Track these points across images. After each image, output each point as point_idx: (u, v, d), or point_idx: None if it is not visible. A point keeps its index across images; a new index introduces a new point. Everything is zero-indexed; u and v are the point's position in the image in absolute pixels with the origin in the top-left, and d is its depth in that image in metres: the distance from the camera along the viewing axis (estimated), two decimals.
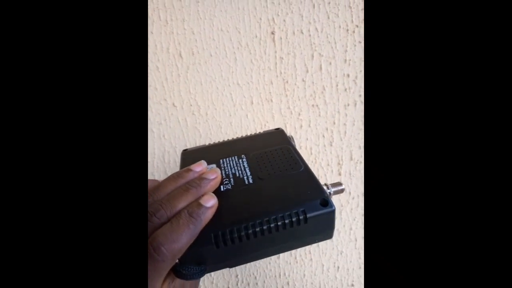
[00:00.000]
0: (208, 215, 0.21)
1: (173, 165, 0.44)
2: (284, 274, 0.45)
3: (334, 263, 0.44)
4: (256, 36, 0.40)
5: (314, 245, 0.44)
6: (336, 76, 0.40)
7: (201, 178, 0.23)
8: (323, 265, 0.45)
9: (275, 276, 0.46)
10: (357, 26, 0.38)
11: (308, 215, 0.21)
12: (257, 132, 0.34)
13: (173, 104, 0.43)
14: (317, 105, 0.41)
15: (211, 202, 0.21)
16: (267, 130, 0.34)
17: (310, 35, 0.39)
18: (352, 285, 0.45)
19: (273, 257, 0.45)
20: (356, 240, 0.43)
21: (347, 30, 0.38)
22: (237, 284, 0.45)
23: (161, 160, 0.44)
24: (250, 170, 0.26)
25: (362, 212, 0.43)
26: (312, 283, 0.45)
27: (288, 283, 0.46)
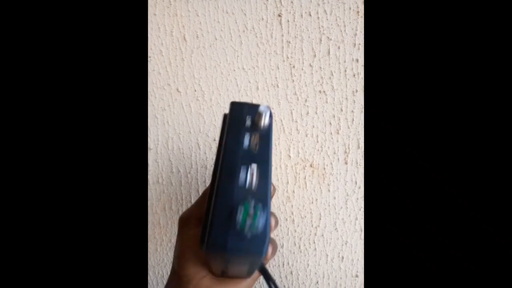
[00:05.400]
0: None
1: (177, 152, 0.44)
2: (288, 263, 0.45)
3: (339, 253, 0.44)
4: (263, 19, 0.39)
5: (319, 234, 0.43)
6: (345, 61, 0.38)
7: None
8: (327, 255, 0.44)
9: (279, 265, 0.45)
10: None
11: None
12: None
13: (177, 89, 0.42)
14: (324, 91, 0.39)
15: None
16: None
17: (318, 18, 0.37)
18: (357, 275, 0.44)
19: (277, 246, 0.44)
20: (361, 231, 0.42)
21: (358, 12, 0.37)
22: None
23: (165, 146, 0.44)
24: None
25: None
26: (316, 273, 0.45)
27: (291, 273, 0.45)
